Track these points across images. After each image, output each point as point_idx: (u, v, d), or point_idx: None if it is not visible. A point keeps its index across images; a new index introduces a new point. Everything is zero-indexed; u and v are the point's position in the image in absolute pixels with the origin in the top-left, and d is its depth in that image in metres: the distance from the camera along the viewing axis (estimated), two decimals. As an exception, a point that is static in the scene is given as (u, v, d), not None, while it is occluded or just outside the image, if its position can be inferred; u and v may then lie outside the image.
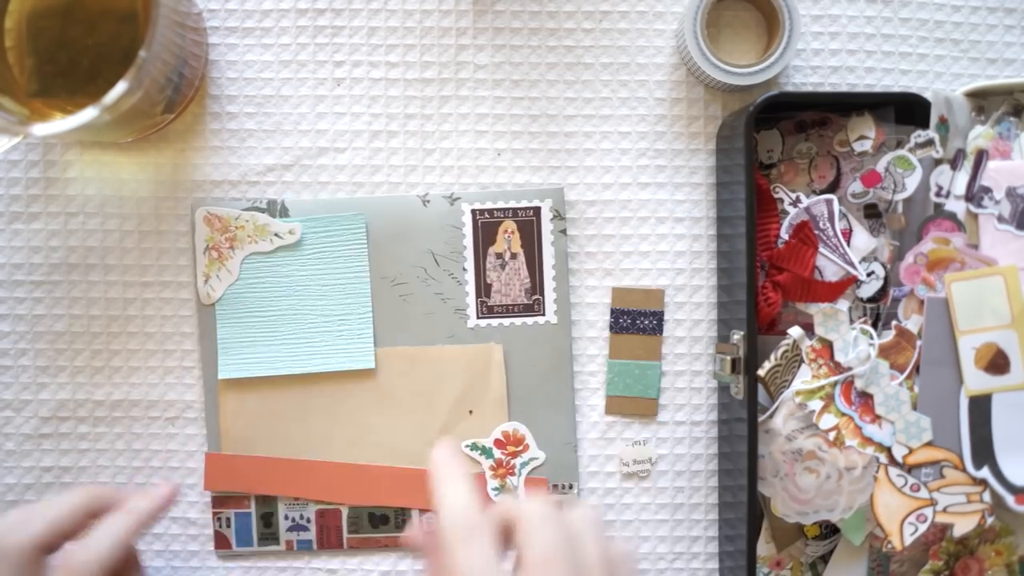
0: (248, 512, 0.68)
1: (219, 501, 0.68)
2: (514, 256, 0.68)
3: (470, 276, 0.68)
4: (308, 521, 0.68)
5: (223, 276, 0.67)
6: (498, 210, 0.68)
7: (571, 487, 0.69)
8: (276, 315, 0.68)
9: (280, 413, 0.68)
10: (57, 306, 0.68)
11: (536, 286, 0.68)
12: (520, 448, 0.69)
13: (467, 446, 0.68)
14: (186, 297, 0.68)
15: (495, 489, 0.69)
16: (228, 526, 0.68)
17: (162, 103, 0.61)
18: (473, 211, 0.68)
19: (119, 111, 0.54)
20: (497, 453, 0.69)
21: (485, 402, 0.68)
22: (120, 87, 0.52)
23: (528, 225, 0.68)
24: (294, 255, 0.68)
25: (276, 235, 0.67)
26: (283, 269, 0.67)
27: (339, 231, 0.67)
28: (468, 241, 0.68)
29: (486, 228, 0.68)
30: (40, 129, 0.53)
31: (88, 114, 0.52)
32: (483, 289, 0.68)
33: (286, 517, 0.68)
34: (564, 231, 0.68)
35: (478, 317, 0.68)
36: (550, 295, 0.68)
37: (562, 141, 0.68)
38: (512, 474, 0.69)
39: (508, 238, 0.68)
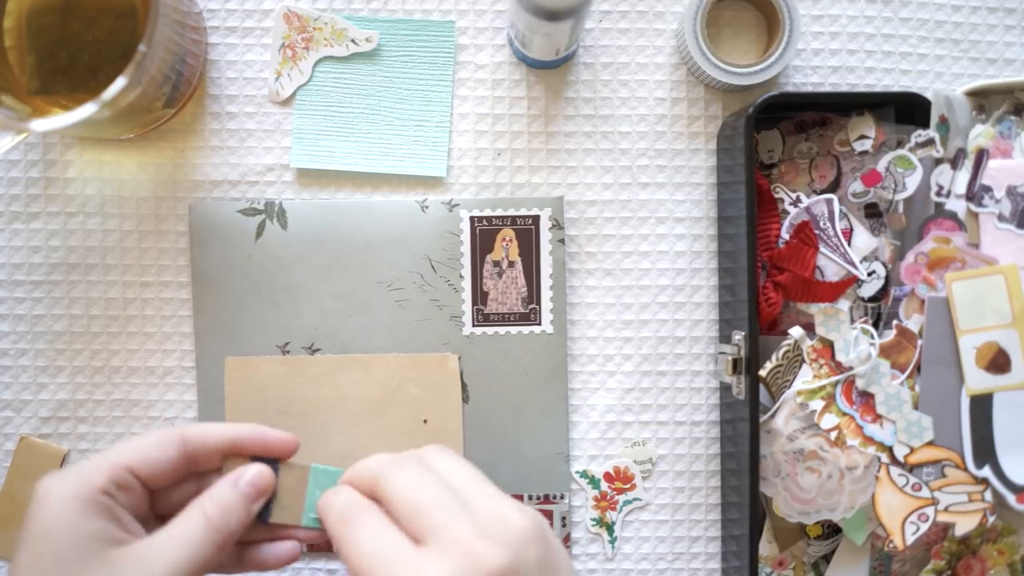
0: None
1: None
2: (512, 264, 0.68)
3: (467, 283, 0.68)
4: None
5: (294, 76, 0.67)
6: (496, 218, 0.68)
7: (562, 497, 0.68)
8: (352, 113, 0.68)
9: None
10: (57, 306, 0.68)
11: (533, 295, 0.68)
12: (627, 486, 0.69)
13: (577, 473, 0.69)
14: (186, 297, 0.68)
15: (593, 520, 0.69)
16: None
17: (161, 99, 0.61)
18: (471, 218, 0.68)
19: (118, 107, 0.54)
20: (604, 486, 0.69)
21: (440, 411, 0.68)
22: (119, 82, 0.52)
23: (527, 234, 0.68)
24: (369, 62, 0.68)
25: (352, 41, 0.67)
26: (357, 75, 0.68)
27: (427, 37, 0.67)
28: (466, 248, 0.68)
29: (484, 235, 0.68)
30: (41, 125, 0.53)
31: (87, 110, 0.52)
32: (479, 297, 0.68)
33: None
34: (563, 241, 0.68)
35: (474, 325, 0.68)
36: (547, 304, 0.68)
37: (562, 141, 0.68)
38: (613, 509, 0.69)
39: (506, 246, 0.68)
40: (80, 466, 0.49)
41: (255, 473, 0.52)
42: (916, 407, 0.61)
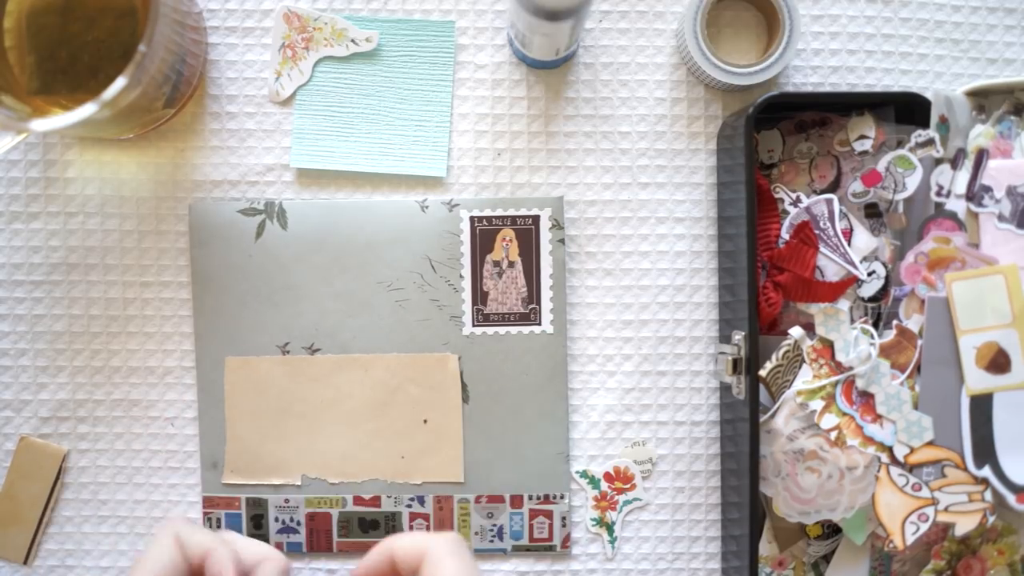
0: (238, 513, 0.68)
1: (209, 501, 0.68)
2: (512, 264, 0.68)
3: (467, 283, 0.68)
4: (298, 524, 0.68)
5: (294, 76, 0.67)
6: (496, 218, 0.68)
7: (562, 497, 0.68)
8: (352, 113, 0.68)
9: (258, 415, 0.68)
10: (57, 306, 0.68)
11: (533, 295, 0.68)
12: (627, 486, 0.69)
13: (577, 473, 0.69)
14: (186, 297, 0.68)
15: (593, 520, 0.69)
16: (218, 526, 0.68)
17: (161, 99, 0.61)
18: (471, 218, 0.68)
19: (118, 107, 0.54)
20: (604, 486, 0.69)
21: (440, 411, 0.68)
22: (119, 82, 0.52)
23: (527, 234, 0.68)
24: (369, 62, 0.67)
25: (352, 41, 0.67)
26: (357, 75, 0.67)
27: (427, 37, 0.67)
28: (466, 248, 0.68)
29: (484, 235, 0.68)
30: (41, 125, 0.53)
31: (87, 110, 0.52)
32: (479, 297, 0.68)
33: (276, 519, 0.68)
34: (563, 240, 0.68)
35: (474, 325, 0.68)
36: (547, 304, 0.68)
37: (562, 141, 0.68)
38: (613, 509, 0.69)
39: (506, 246, 0.68)
40: None
41: None
42: (916, 407, 0.61)
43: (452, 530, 0.68)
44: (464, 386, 0.68)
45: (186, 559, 0.51)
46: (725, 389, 0.67)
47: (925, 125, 0.63)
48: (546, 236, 0.68)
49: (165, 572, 0.50)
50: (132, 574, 0.51)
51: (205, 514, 0.68)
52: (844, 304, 0.64)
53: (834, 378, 0.62)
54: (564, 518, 0.68)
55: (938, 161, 0.63)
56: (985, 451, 0.61)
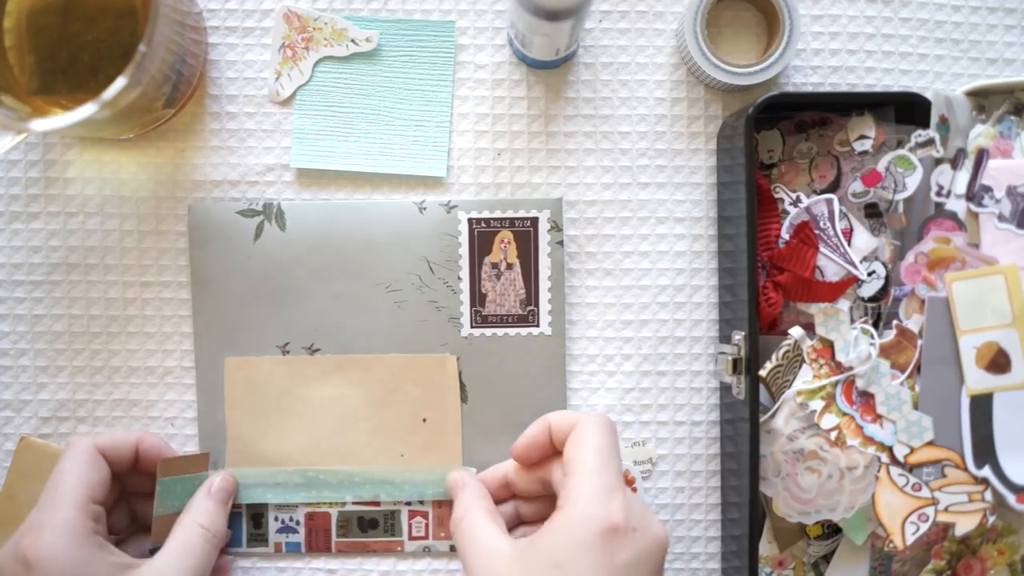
0: (238, 512, 0.68)
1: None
2: (510, 266, 0.68)
3: (465, 285, 0.68)
4: (297, 523, 0.68)
5: (294, 76, 0.67)
6: (495, 220, 0.68)
7: None
8: (352, 113, 0.68)
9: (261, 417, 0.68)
10: (57, 306, 0.68)
11: (531, 297, 0.68)
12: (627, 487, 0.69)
13: None
14: (186, 297, 0.68)
15: None
16: None
17: (161, 99, 0.61)
18: (469, 220, 0.68)
19: (118, 107, 0.54)
20: None
21: (439, 412, 0.68)
22: (119, 82, 0.52)
23: (525, 235, 0.68)
24: (369, 62, 0.67)
25: (352, 41, 0.67)
26: (357, 75, 0.67)
27: (427, 37, 0.67)
28: (464, 250, 0.68)
29: (482, 237, 0.68)
30: (41, 125, 0.53)
31: (87, 110, 0.52)
32: (478, 298, 0.68)
33: (276, 519, 0.68)
34: (561, 243, 0.68)
35: (472, 326, 0.68)
36: (545, 306, 0.68)
37: (562, 141, 0.68)
38: None
39: (504, 248, 0.68)
40: (56, 516, 0.56)
41: (223, 478, 0.64)
42: (916, 407, 0.61)
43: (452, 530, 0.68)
44: (463, 387, 0.68)
45: (114, 461, 0.61)
46: (725, 389, 0.67)
47: (925, 125, 0.63)
48: (544, 238, 0.68)
49: (90, 481, 0.59)
50: (49, 489, 0.58)
51: (205, 514, 0.68)
52: (844, 304, 0.64)
53: (834, 378, 0.62)
54: (564, 518, 0.68)
55: (938, 161, 0.63)
56: (985, 451, 0.61)
